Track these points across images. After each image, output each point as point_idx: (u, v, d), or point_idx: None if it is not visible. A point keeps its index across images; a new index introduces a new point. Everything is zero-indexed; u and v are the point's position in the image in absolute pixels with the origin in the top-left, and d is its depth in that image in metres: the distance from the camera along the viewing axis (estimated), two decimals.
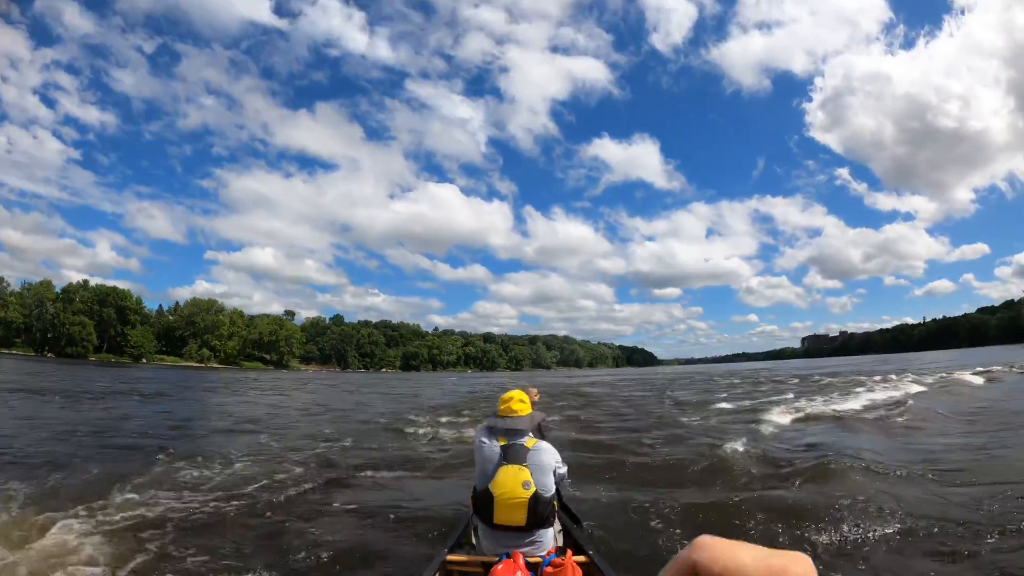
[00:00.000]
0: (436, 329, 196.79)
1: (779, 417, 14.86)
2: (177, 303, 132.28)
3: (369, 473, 8.90)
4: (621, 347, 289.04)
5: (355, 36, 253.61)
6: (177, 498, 6.91)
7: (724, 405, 19.27)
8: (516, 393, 4.27)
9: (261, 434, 11.70)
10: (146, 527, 5.87)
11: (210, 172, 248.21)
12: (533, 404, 4.39)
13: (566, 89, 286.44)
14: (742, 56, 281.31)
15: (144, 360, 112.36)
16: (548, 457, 4.02)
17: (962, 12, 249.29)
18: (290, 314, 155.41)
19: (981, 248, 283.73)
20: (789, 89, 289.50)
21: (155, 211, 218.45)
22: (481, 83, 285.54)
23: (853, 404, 17.38)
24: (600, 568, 3.76)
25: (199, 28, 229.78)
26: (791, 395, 22.03)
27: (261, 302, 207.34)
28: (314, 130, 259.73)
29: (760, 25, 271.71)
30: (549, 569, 3.53)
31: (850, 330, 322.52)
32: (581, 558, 3.85)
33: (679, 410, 18.06)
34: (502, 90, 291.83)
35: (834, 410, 15.84)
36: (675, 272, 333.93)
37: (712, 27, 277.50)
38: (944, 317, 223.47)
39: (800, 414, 15.35)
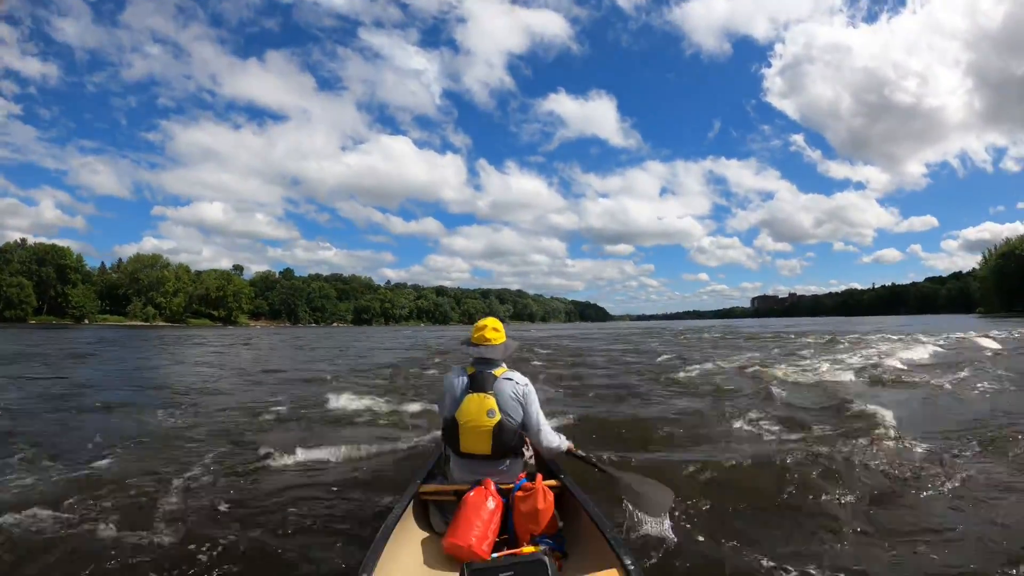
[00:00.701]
0: (388, 283, 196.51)
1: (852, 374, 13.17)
2: (120, 260, 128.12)
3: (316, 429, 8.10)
4: (574, 302, 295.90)
5: None
6: None
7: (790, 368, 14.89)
8: (490, 320, 4.20)
9: (166, 408, 9.73)
10: None
11: (156, 124, 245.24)
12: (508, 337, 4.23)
13: (524, 43, 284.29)
14: (704, 18, 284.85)
15: (86, 321, 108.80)
16: (515, 386, 3.96)
17: None
18: (239, 269, 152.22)
19: (930, 221, 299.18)
20: (749, 54, 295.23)
21: (100, 166, 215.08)
22: (437, 34, 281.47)
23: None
24: (571, 490, 3.83)
25: None
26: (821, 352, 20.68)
27: (210, 258, 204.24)
28: (264, 80, 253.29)
29: None
30: (520, 493, 3.58)
31: (799, 292, 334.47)
32: (552, 482, 3.89)
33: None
34: (458, 42, 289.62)
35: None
36: (628, 229, 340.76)
37: None
38: (893, 284, 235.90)
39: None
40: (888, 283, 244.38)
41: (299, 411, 9.41)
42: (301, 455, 6.42)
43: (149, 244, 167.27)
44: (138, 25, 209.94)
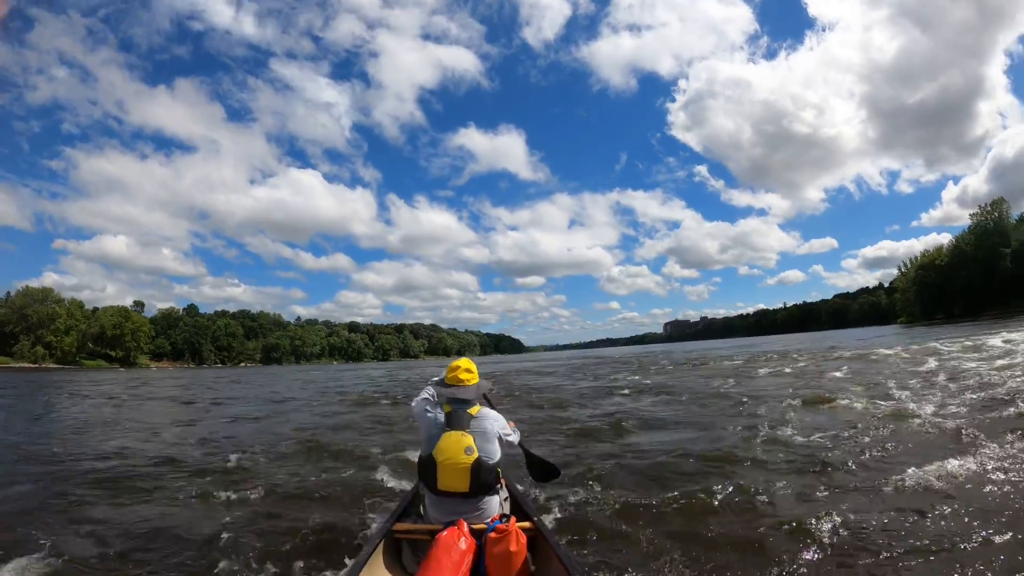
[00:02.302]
0: (299, 319, 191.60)
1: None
2: (8, 293, 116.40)
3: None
4: (488, 335, 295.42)
5: (221, 9, 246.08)
6: None
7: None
8: (464, 361, 4.31)
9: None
10: None
11: (59, 152, 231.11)
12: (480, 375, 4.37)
13: (435, 77, 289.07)
14: (611, 55, 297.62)
15: None
16: (492, 424, 4.11)
17: (824, 29, 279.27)
18: (139, 305, 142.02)
19: (830, 242, 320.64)
20: (654, 89, 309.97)
21: None
22: (349, 67, 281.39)
23: None
24: (544, 534, 3.83)
25: None
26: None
27: (114, 295, 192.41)
28: (172, 108, 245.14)
29: (631, 27, 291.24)
30: (493, 535, 3.61)
31: (709, 316, 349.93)
32: (526, 524, 3.94)
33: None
34: (370, 75, 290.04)
35: None
36: (538, 261, 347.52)
37: (584, 26, 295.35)
38: (804, 303, 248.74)
39: None
40: (791, 303, 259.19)
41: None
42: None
43: (50, 279, 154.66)
44: (45, 46, 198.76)
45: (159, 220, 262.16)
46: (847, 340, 47.41)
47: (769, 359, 28.66)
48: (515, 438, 4.43)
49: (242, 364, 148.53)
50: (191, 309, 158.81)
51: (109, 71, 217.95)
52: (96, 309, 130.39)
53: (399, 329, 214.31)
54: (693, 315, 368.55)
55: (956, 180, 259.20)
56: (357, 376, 44.12)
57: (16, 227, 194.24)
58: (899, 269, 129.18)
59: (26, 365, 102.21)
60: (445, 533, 3.59)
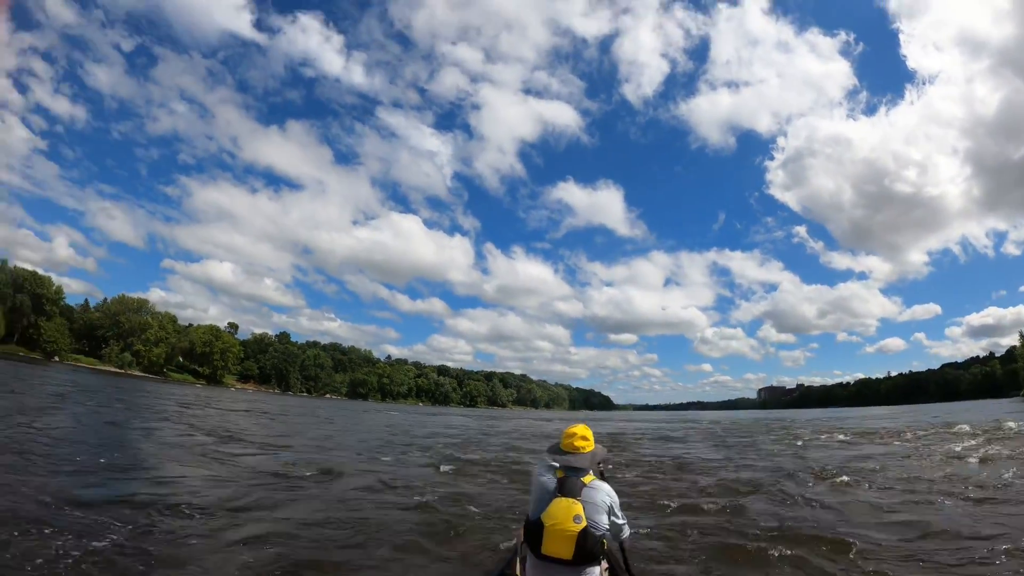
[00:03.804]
0: (389, 358, 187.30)
1: None
2: (105, 299, 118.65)
3: None
4: (578, 389, 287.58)
5: (332, 59, 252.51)
6: None
7: None
8: (580, 428, 4.29)
9: None
10: None
11: (175, 179, 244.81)
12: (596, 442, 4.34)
13: (535, 131, 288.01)
14: (709, 112, 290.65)
15: (56, 358, 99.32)
16: (603, 496, 4.09)
17: (924, 82, 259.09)
18: (233, 327, 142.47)
19: (933, 308, 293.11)
20: (752, 147, 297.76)
21: (116, 212, 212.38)
22: (452, 118, 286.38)
23: None
24: None
25: (179, 33, 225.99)
26: None
27: (216, 317, 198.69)
28: (283, 148, 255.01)
29: (729, 84, 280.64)
30: None
31: (804, 383, 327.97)
32: None
33: None
34: (472, 127, 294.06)
35: None
36: (631, 318, 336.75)
37: (682, 83, 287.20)
38: (911, 372, 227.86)
39: None
40: (900, 371, 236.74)
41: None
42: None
43: (156, 295, 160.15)
44: (168, 82, 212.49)
45: (264, 251, 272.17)
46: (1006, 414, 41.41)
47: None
48: (626, 531, 4.39)
49: (327, 395, 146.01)
50: (283, 336, 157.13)
51: (226, 109, 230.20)
52: (191, 325, 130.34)
53: (488, 376, 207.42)
54: (788, 381, 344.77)
55: None
56: (439, 426, 40.54)
57: (129, 244, 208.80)
58: (1021, 334, 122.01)
59: (111, 368, 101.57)
60: None
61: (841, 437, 26.99)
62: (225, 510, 8.53)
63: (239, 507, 8.73)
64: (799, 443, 24.79)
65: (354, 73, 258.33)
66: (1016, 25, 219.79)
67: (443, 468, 14.73)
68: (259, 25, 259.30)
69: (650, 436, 32.41)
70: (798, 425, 42.09)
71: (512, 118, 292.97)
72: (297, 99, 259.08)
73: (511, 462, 16.34)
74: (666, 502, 10.75)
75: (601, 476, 4.60)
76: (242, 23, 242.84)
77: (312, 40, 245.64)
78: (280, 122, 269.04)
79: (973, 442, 20.81)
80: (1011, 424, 26.65)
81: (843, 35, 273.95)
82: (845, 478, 13.22)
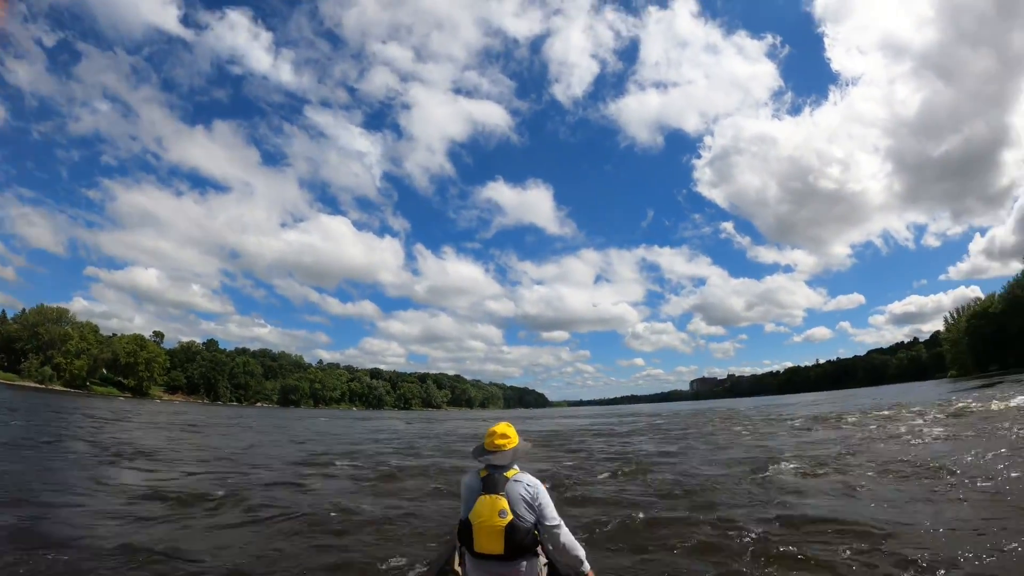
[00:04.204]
0: (320, 362, 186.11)
1: None
2: (24, 309, 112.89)
3: None
4: (512, 388, 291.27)
5: (260, 56, 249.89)
6: None
7: None
8: (501, 427, 4.28)
9: None
10: None
11: (97, 182, 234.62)
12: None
13: (465, 131, 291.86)
14: (638, 112, 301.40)
15: None
16: (525, 488, 4.08)
17: (847, 84, 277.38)
18: (158, 336, 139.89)
19: (857, 298, 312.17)
20: (680, 146, 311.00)
21: (36, 218, 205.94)
22: (382, 118, 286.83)
23: None
24: None
25: (103, 28, 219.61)
26: None
27: (142, 326, 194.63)
28: (209, 149, 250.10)
29: (658, 84, 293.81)
30: None
31: (735, 373, 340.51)
32: None
33: None
34: (402, 126, 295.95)
35: None
36: (563, 316, 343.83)
37: (612, 83, 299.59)
38: (838, 359, 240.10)
39: None
40: (829, 359, 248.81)
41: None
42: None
43: (79, 305, 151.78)
44: (91, 79, 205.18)
45: (190, 256, 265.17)
46: (930, 395, 44.33)
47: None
48: (557, 521, 4.12)
49: (258, 404, 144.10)
50: (211, 344, 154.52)
51: (150, 108, 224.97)
52: (114, 335, 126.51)
53: (422, 378, 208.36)
54: (719, 372, 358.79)
55: (983, 232, 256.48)
56: (369, 431, 38.23)
57: (50, 251, 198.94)
58: (946, 320, 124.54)
59: (31, 384, 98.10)
60: None
61: (796, 424, 27.67)
62: (89, 551, 7.19)
63: (105, 548, 7.30)
64: (759, 431, 25.34)
65: (282, 71, 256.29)
66: (938, 30, 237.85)
67: (366, 482, 13.53)
68: (186, 21, 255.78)
69: (595, 432, 31.71)
70: (746, 413, 43.01)
71: (442, 118, 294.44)
72: (224, 98, 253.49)
73: (450, 471, 15.13)
74: (642, 498, 10.66)
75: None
76: (168, 18, 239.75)
77: (240, 37, 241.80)
78: (206, 122, 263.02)
79: (929, 419, 22.06)
80: (970, 403, 28.07)
81: (770, 38, 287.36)
82: (827, 466, 12.99)
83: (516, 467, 4.20)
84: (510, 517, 3.89)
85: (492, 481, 4.03)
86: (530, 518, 4.00)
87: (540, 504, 4.03)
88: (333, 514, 9.57)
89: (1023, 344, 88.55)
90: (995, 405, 24.95)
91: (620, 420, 47.78)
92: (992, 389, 38.25)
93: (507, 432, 4.21)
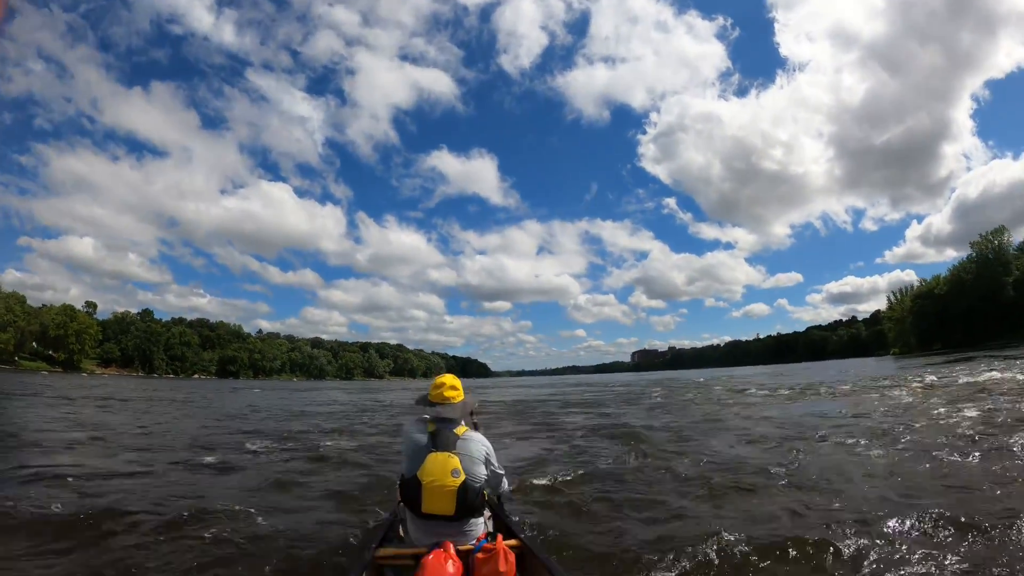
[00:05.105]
0: (260, 332, 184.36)
1: None
2: None
3: None
4: (455, 357, 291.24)
5: (201, 15, 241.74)
6: None
7: None
8: (448, 378, 4.16)
9: None
10: None
11: (30, 147, 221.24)
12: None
13: (410, 98, 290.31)
14: (586, 86, 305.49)
15: None
16: (478, 446, 4.01)
17: (795, 69, 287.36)
18: (91, 307, 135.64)
19: (795, 277, 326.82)
20: (626, 121, 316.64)
21: None
22: (326, 83, 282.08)
23: None
24: (533, 551, 3.75)
25: None
26: None
27: (77, 297, 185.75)
28: (147, 112, 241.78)
29: (606, 59, 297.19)
30: (481, 555, 3.54)
31: (676, 346, 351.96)
32: (513, 542, 3.85)
33: None
34: (346, 92, 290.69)
35: None
36: (506, 286, 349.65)
37: (560, 56, 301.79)
38: (779, 334, 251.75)
39: None
40: (769, 334, 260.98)
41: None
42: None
43: (11, 277, 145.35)
44: (24, 38, 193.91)
45: (127, 224, 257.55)
46: (887, 370, 42.89)
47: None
48: (505, 482, 4.33)
49: (195, 376, 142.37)
50: (146, 314, 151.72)
51: (86, 69, 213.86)
52: (42, 306, 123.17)
53: (364, 348, 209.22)
54: (660, 345, 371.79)
55: (920, 219, 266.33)
56: (309, 403, 33.13)
57: None
58: (889, 300, 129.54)
59: None
60: (431, 556, 3.45)
61: (783, 393, 25.75)
62: None
63: None
64: (732, 401, 23.62)
65: (224, 32, 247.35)
66: (887, 23, 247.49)
67: (298, 465, 10.16)
68: None
69: (561, 403, 28.38)
70: (709, 384, 41.52)
71: (387, 84, 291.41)
72: (162, 59, 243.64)
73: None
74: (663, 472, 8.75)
75: (474, 427, 4.56)
76: None
77: None
78: (144, 83, 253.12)
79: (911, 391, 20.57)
80: (932, 378, 26.23)
81: (721, 19, 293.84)
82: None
83: (464, 423, 4.10)
84: (463, 477, 3.75)
85: (444, 437, 3.87)
86: (482, 477, 3.92)
87: (491, 463, 4.04)
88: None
89: (966, 324, 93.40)
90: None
91: (574, 389, 45.82)
92: (963, 364, 35.33)
93: (456, 384, 4.10)
